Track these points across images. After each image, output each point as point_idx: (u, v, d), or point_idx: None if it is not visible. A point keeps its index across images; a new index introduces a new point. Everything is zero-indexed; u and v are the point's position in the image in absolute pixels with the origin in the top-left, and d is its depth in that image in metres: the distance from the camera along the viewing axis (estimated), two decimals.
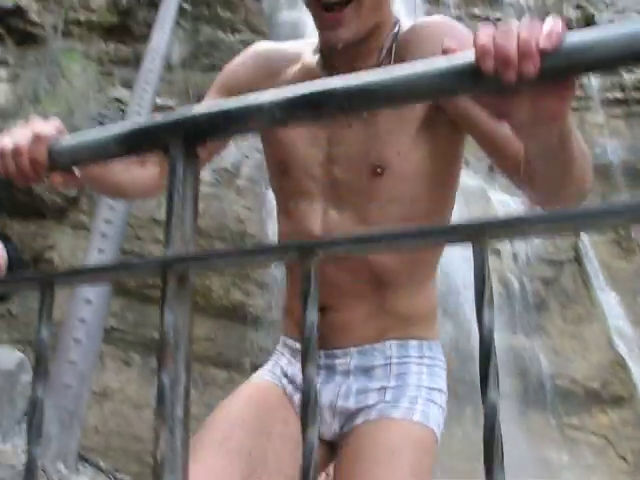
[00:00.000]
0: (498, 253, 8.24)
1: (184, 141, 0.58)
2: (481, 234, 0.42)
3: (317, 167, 1.40)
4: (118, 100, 8.87)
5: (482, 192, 8.37)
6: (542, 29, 0.70)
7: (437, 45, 0.90)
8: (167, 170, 0.58)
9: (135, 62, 9.15)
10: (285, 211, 1.49)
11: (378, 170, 1.33)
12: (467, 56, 0.67)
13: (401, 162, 1.33)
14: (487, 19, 10.64)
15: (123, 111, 8.55)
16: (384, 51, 1.36)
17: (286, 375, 1.51)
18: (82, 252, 6.88)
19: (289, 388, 1.50)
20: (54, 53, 9.15)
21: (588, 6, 11.13)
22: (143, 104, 6.48)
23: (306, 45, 1.49)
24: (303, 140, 1.40)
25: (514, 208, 8.17)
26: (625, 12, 11.29)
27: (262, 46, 1.54)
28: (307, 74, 1.36)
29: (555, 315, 8.57)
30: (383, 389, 1.43)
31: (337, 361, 1.46)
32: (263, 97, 0.60)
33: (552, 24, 0.70)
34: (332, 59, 1.38)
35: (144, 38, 9.36)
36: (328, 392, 1.46)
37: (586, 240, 8.87)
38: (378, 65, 1.33)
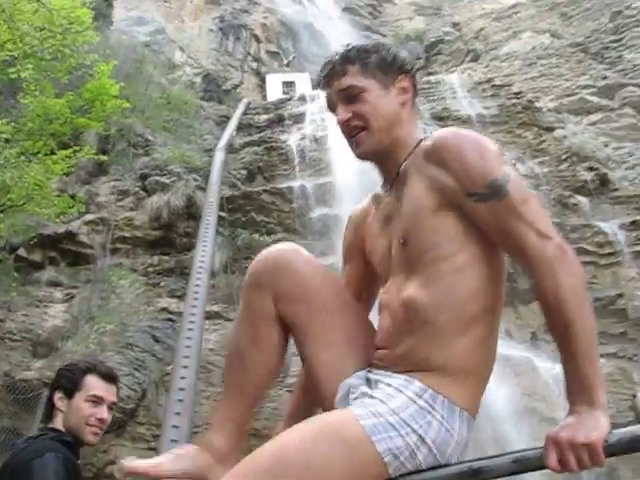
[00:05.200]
0: None
1: None
2: None
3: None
4: (165, 309, 9.27)
5: (528, 361, 8.44)
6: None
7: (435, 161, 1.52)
8: None
9: (179, 271, 9.66)
10: None
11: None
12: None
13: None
14: None
15: (171, 320, 8.91)
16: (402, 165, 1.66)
17: None
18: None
19: None
20: (104, 270, 9.70)
21: (601, 167, 11.64)
22: (195, 318, 6.83)
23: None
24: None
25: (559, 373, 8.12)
26: (635, 168, 11.77)
27: (352, 212, 1.93)
28: (378, 200, 1.77)
29: None
30: (364, 394, 1.53)
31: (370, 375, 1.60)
32: None
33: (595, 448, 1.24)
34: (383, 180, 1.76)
35: (186, 247, 9.94)
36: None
37: None
38: (395, 177, 1.66)
